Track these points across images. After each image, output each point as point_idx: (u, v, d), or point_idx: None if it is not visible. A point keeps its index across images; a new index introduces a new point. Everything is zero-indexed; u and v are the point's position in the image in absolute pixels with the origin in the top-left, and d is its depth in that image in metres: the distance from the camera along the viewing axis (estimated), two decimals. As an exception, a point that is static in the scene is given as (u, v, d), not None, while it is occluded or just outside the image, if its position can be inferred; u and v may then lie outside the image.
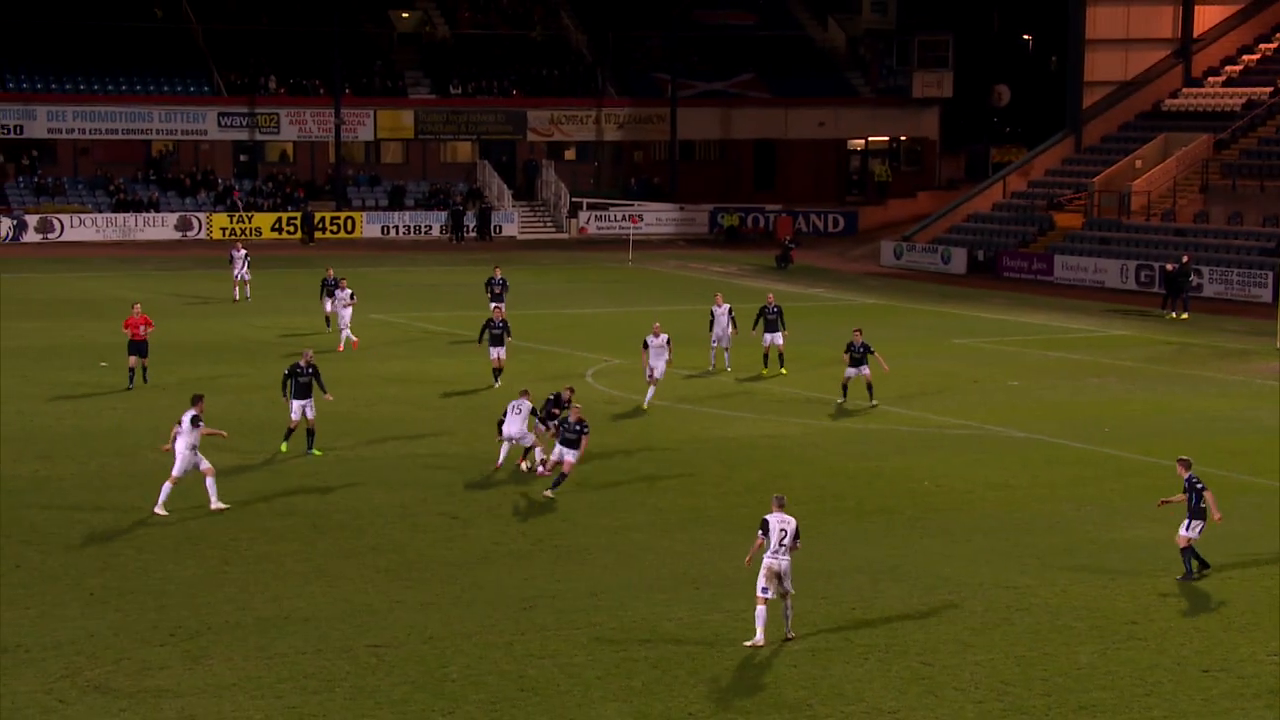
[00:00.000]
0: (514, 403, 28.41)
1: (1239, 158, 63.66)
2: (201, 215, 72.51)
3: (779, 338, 38.94)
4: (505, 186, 77.99)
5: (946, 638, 20.17)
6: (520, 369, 39.70)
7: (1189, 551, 22.71)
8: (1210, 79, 69.88)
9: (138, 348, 35.75)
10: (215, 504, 25.47)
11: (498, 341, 36.80)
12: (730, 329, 39.29)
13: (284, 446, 29.66)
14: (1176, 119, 68.10)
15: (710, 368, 39.50)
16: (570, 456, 26.90)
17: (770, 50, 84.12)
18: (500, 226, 76.14)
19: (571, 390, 29.27)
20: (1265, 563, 23.43)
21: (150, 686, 18.19)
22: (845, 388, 35.32)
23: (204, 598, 21.25)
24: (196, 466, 25.37)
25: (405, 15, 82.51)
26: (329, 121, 75.54)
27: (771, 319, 39.31)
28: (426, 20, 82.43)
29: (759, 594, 19.75)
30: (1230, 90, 68.20)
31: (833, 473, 29.14)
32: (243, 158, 78.19)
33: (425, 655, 19.31)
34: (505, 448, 28.55)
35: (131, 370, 35.66)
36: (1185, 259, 53.58)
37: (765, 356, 39.08)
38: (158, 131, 75.18)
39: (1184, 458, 23.32)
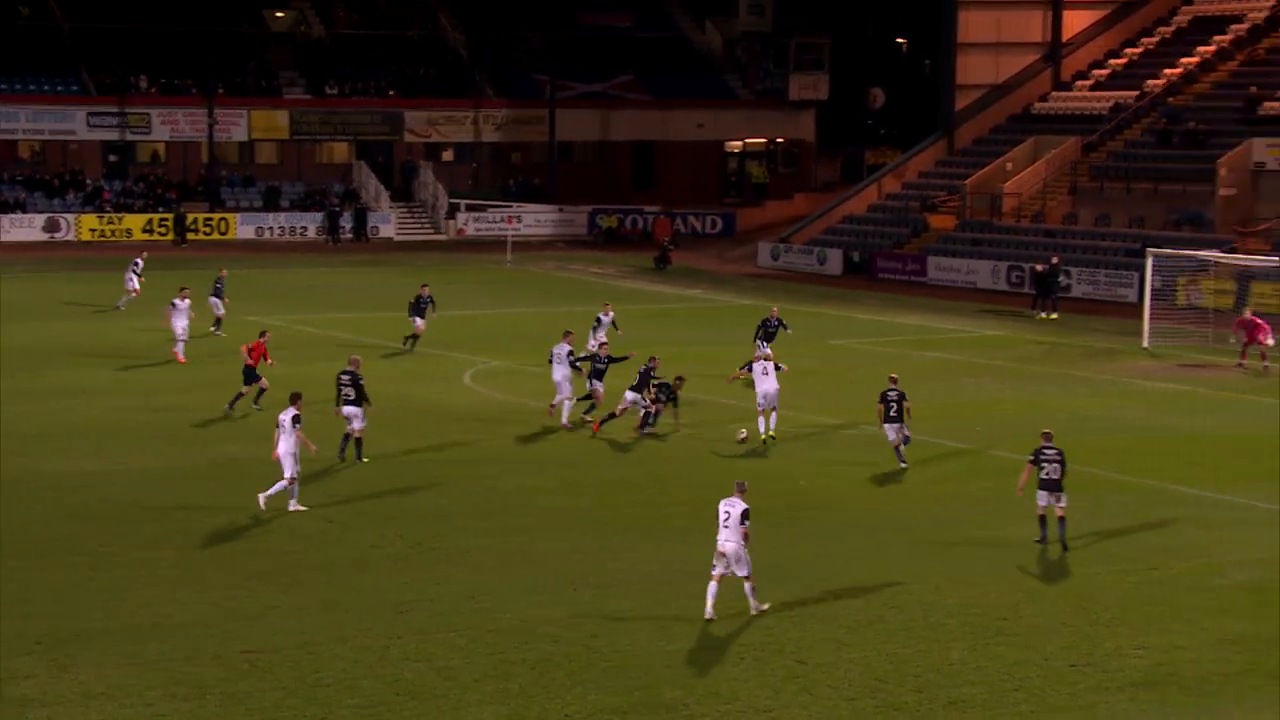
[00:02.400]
0: (555, 348, 32.71)
1: (1106, 160, 64.86)
2: (69, 216, 71.24)
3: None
4: (382, 187, 77.45)
5: (822, 636, 20.35)
6: (395, 371, 39.45)
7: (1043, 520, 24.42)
8: (1079, 83, 71.11)
9: (250, 374, 33.31)
10: (293, 505, 25.77)
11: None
12: (600, 337, 38.53)
13: (348, 454, 29.05)
14: (1046, 122, 69.24)
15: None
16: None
17: (648, 52, 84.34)
18: (377, 228, 75.60)
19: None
20: (1129, 559, 23.89)
21: (15, 695, 17.84)
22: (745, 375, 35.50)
23: (72, 604, 20.89)
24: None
25: (280, 15, 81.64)
26: (202, 121, 74.52)
27: (772, 331, 39.18)
28: (302, 20, 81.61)
29: (711, 571, 20.87)
30: (1098, 94, 69.45)
31: (712, 474, 29.26)
32: (113, 158, 76.88)
33: (299, 660, 19.12)
34: (567, 406, 32.09)
35: (240, 394, 33.42)
36: (1054, 260, 54.44)
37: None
38: (24, 131, 73.76)
39: (1048, 430, 24.93)
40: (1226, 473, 29.79)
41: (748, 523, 20.90)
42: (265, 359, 33.90)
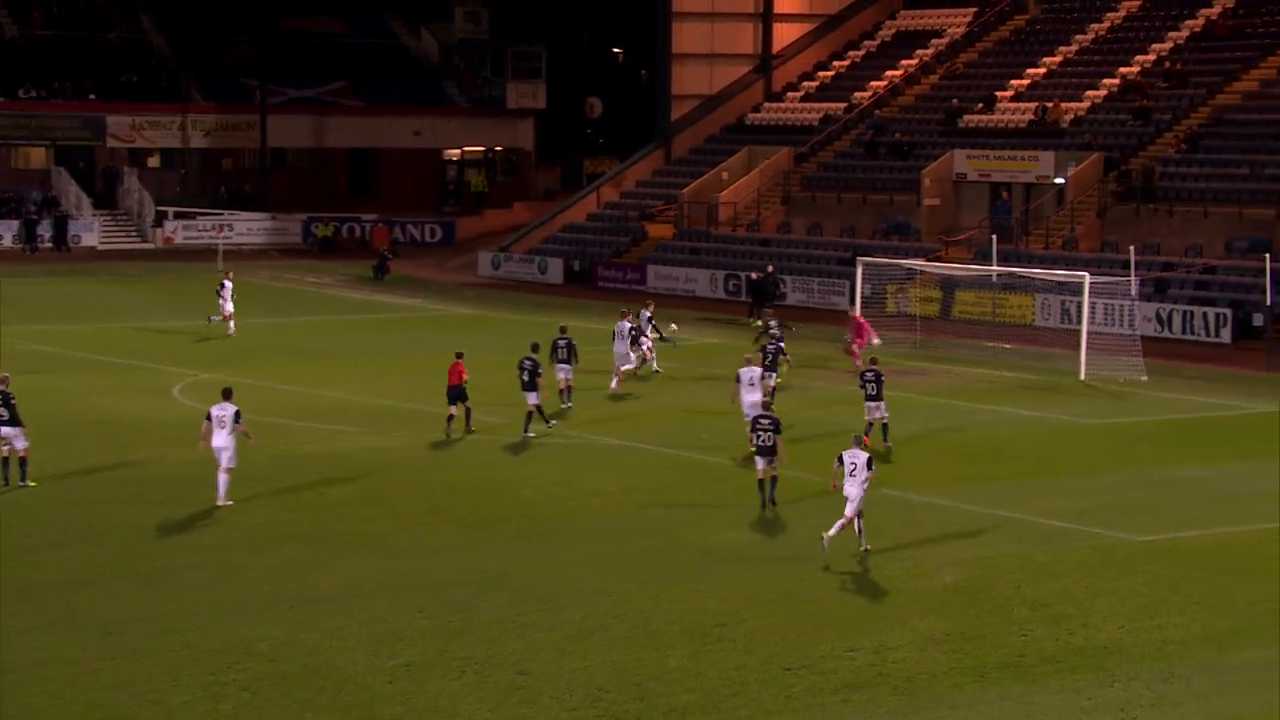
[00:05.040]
0: (619, 325, 38.70)
1: (817, 170, 66.59)
2: None
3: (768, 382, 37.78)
4: (84, 194, 74.89)
5: (544, 646, 20.37)
6: (103, 384, 38.23)
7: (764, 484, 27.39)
8: (789, 94, 72.85)
9: (456, 393, 33.47)
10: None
11: None
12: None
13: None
14: (759, 132, 70.76)
15: None
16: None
17: (363, 58, 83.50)
18: (79, 236, 73.09)
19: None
20: (842, 563, 24.52)
21: None
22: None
23: None
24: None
25: (-29, 14, 78.44)
26: (-113, 124, 71.09)
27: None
28: (-6, 19, 78.54)
29: (845, 511, 24.31)
30: (808, 105, 71.25)
31: (435, 485, 29.08)
32: None
33: (-1, 690, 18.33)
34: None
35: (451, 416, 33.52)
36: (770, 268, 55.64)
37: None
38: None
39: (766, 400, 28.42)
40: (935, 476, 30.82)
41: (873, 469, 24.34)
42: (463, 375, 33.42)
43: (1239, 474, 31.14)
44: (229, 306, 47.66)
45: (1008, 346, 47.09)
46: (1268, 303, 46.25)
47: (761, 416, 27.53)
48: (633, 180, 72.70)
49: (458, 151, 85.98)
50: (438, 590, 22.55)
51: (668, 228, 67.69)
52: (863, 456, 24.53)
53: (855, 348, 42.41)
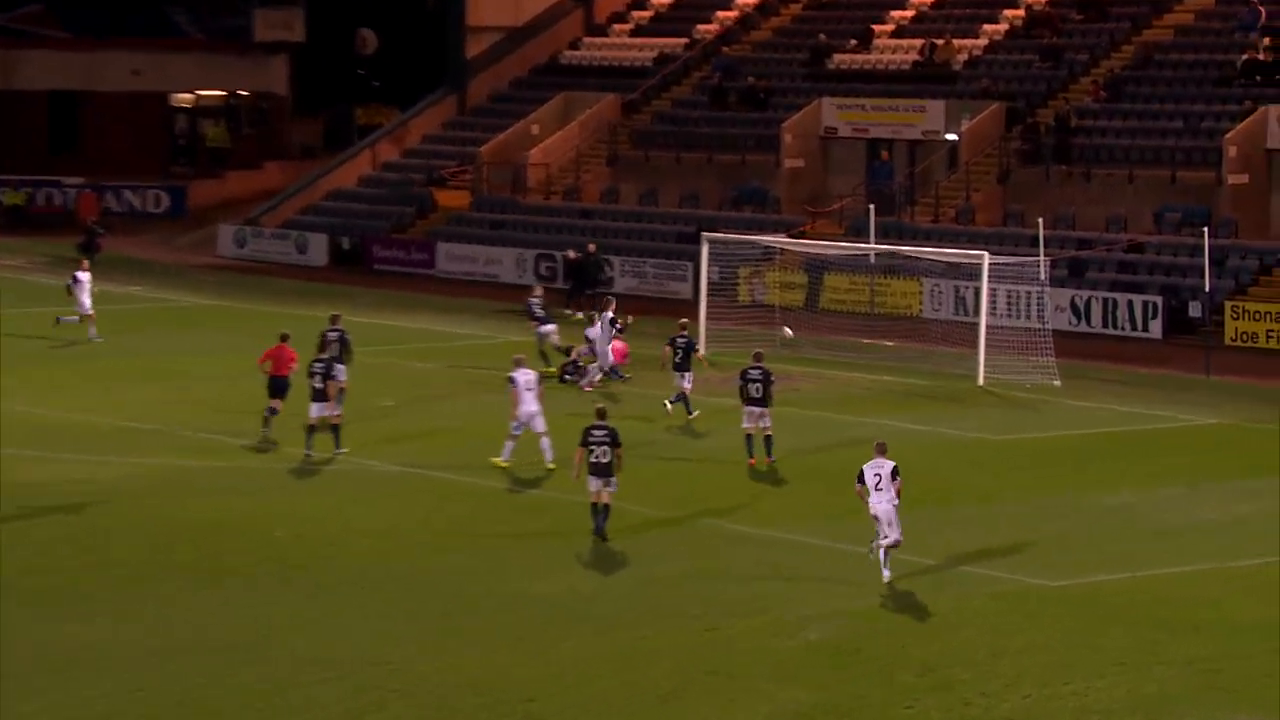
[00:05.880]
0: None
1: (652, 123, 66.88)
2: None
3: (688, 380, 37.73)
4: None
5: (304, 732, 20.24)
6: None
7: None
8: (615, 26, 72.98)
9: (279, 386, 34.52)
10: None
11: None
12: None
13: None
14: (578, 75, 70.79)
15: None
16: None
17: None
18: None
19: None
20: (683, 617, 24.64)
21: None
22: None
23: None
24: None
25: None
26: None
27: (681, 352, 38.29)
28: None
29: (878, 541, 25.82)
30: (639, 41, 71.43)
31: (163, 524, 28.78)
32: None
33: None
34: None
35: (273, 411, 34.51)
36: (591, 247, 55.66)
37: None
38: None
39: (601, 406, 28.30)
40: (800, 506, 31.11)
41: (899, 479, 25.57)
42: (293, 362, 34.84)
43: (1173, 501, 31.90)
44: (87, 302, 47.55)
45: (889, 344, 47.75)
46: (1207, 289, 47.27)
47: (596, 427, 27.90)
48: (418, 135, 72.41)
49: (190, 97, 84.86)
50: (163, 660, 22.29)
51: (462, 195, 67.50)
52: (888, 466, 25.88)
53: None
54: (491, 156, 67.54)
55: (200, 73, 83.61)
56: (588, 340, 42.81)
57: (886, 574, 25.84)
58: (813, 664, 22.83)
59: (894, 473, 25.82)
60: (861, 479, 25.94)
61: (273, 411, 34.51)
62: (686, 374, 37.53)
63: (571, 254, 56.28)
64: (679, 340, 37.86)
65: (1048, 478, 33.96)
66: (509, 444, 32.49)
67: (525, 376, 32.69)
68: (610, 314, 42.56)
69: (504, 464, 32.53)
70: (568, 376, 41.83)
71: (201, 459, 33.71)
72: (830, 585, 26.24)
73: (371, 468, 33.29)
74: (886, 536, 25.75)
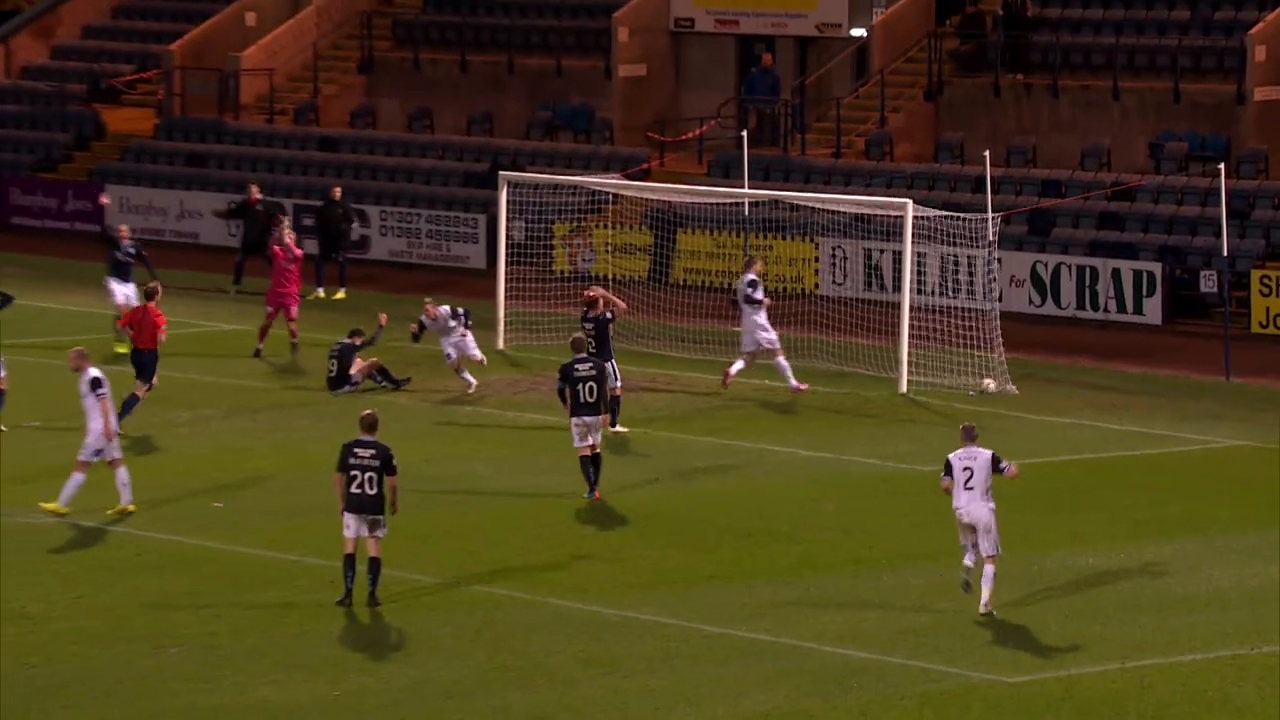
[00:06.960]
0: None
1: (424, 10, 67.14)
2: None
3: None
4: None
5: None
6: None
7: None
8: None
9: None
10: None
11: None
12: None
13: None
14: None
15: None
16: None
17: None
18: None
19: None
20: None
21: None
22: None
23: None
24: None
25: None
26: None
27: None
28: None
29: (964, 559, 28.15)
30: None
31: None
32: None
33: None
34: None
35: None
36: (336, 193, 55.51)
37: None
38: None
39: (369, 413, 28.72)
40: (644, 568, 31.32)
41: (1007, 468, 28.00)
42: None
43: (1177, 561, 32.31)
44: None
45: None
46: (1224, 252, 47.44)
47: (360, 444, 27.81)
48: (74, 26, 72.19)
49: None
50: None
51: (144, 115, 67.33)
52: (983, 456, 27.92)
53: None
54: (187, 58, 67.35)
55: None
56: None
57: (986, 599, 27.60)
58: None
59: (994, 462, 27.81)
60: (949, 470, 27.51)
61: (146, 389, 36.43)
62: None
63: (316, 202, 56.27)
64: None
65: (1000, 527, 34.27)
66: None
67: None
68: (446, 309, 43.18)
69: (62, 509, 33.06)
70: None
71: None
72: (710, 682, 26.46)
73: (30, 522, 33.12)
74: (980, 547, 27.21)
